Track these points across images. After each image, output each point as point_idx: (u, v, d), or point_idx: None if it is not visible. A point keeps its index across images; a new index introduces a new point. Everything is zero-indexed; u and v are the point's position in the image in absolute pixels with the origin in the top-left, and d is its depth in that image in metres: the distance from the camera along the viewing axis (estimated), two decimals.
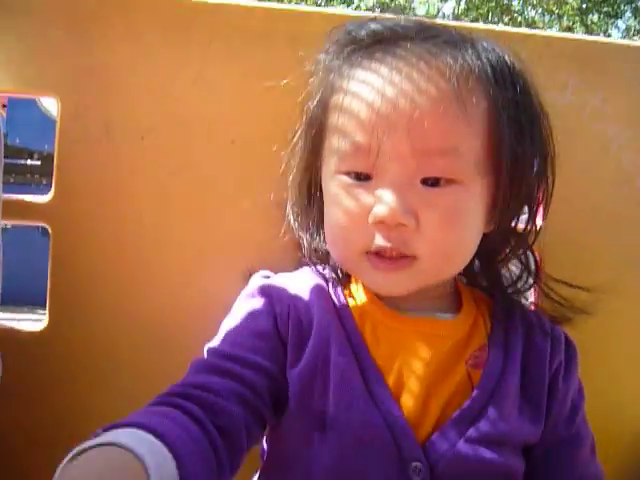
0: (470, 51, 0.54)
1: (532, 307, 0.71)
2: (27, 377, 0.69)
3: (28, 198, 0.70)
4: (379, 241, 0.52)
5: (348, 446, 0.52)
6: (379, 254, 0.53)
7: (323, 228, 0.60)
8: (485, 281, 0.64)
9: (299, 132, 0.61)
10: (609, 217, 0.77)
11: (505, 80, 0.55)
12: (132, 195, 0.71)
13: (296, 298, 0.57)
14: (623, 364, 0.78)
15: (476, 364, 0.56)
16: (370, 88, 0.53)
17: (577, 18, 9.84)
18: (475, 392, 0.54)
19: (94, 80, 0.70)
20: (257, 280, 0.61)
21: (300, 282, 0.59)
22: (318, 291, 0.58)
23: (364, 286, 0.59)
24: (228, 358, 0.53)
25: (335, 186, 0.56)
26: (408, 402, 0.53)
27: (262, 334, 0.55)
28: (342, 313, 0.57)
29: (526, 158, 0.56)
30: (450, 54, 0.53)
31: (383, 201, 0.51)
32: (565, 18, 9.98)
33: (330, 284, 0.59)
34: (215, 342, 0.56)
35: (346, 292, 0.59)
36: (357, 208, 0.53)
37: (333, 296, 0.58)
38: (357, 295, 0.59)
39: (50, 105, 0.75)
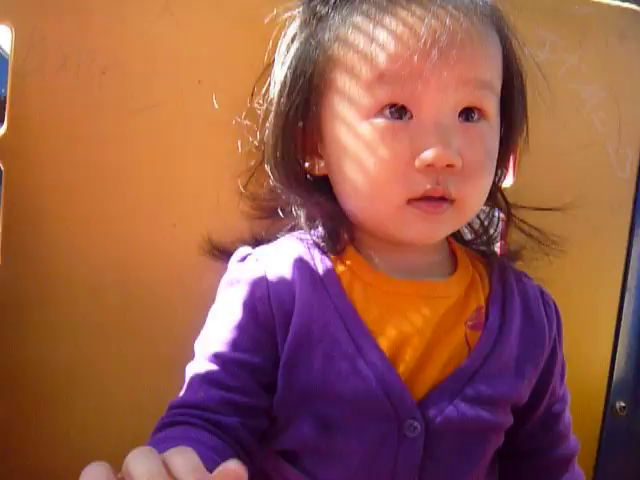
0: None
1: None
2: None
3: None
4: (427, 186, 0.49)
5: (341, 416, 0.51)
6: (425, 199, 0.50)
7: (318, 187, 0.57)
8: (481, 237, 0.64)
9: (280, 75, 0.56)
10: (578, 177, 0.77)
11: (507, 31, 0.56)
12: (90, 134, 0.67)
13: (276, 278, 0.54)
14: (580, 326, 0.80)
15: (474, 325, 0.55)
16: (407, 17, 0.49)
17: None
18: (473, 353, 0.54)
19: (52, 8, 0.65)
20: (233, 264, 0.59)
21: (280, 257, 0.56)
22: (300, 263, 0.55)
23: (354, 250, 0.56)
24: (216, 362, 0.52)
25: (365, 132, 0.50)
26: (403, 363, 0.52)
27: (244, 328, 0.53)
28: (327, 280, 0.54)
29: (523, 110, 0.58)
30: None
31: (432, 141, 0.49)
32: None
33: (317, 250, 0.56)
34: (202, 342, 0.55)
35: (333, 257, 0.56)
36: (400, 154, 0.49)
37: (319, 264, 0.55)
38: (347, 259, 0.56)
39: (3, 37, 0.70)
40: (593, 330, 0.80)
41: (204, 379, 0.51)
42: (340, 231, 0.57)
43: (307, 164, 0.58)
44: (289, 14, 0.59)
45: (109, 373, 0.68)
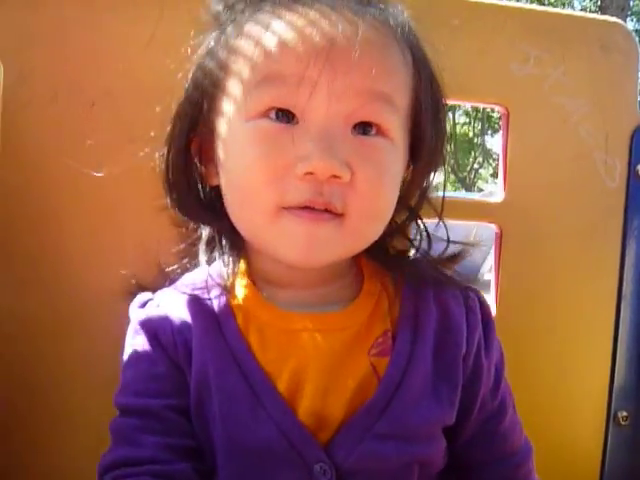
0: (392, 9, 0.52)
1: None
2: None
3: None
4: (306, 195, 0.46)
5: (250, 465, 0.49)
6: (305, 208, 0.46)
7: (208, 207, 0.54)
8: (392, 251, 0.59)
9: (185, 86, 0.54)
10: (567, 190, 0.78)
11: (420, 45, 0.53)
12: (80, 164, 0.66)
13: (178, 322, 0.52)
14: (578, 336, 0.80)
15: (381, 352, 0.51)
16: (300, 21, 0.47)
17: None
18: (381, 384, 0.50)
19: (40, 42, 0.66)
20: (135, 312, 0.56)
21: (178, 299, 0.54)
22: (195, 304, 0.53)
23: (249, 283, 0.53)
24: (145, 412, 0.50)
25: (247, 133, 0.48)
26: (305, 405, 0.49)
27: (158, 376, 0.51)
28: (223, 320, 0.52)
29: (441, 133, 0.54)
30: (379, 6, 0.50)
31: (316, 148, 0.45)
32: None
33: (215, 286, 0.53)
34: (124, 396, 0.52)
35: (229, 296, 0.53)
36: (278, 157, 0.46)
37: (215, 301, 0.53)
38: (240, 295, 0.53)
39: None
40: (591, 340, 0.80)
41: (139, 430, 0.49)
42: (234, 259, 0.55)
43: (204, 171, 0.55)
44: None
45: None
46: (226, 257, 0.55)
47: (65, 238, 0.67)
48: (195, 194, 0.55)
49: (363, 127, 0.48)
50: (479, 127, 17.32)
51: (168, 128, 0.55)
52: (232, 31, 0.51)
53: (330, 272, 0.52)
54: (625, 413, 0.81)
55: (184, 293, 0.54)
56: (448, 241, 0.59)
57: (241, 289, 0.53)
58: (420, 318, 0.53)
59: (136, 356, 0.53)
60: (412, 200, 0.57)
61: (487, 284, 0.82)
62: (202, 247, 0.58)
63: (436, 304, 0.54)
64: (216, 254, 0.57)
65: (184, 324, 0.52)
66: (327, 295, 0.53)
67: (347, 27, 0.46)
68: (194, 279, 0.56)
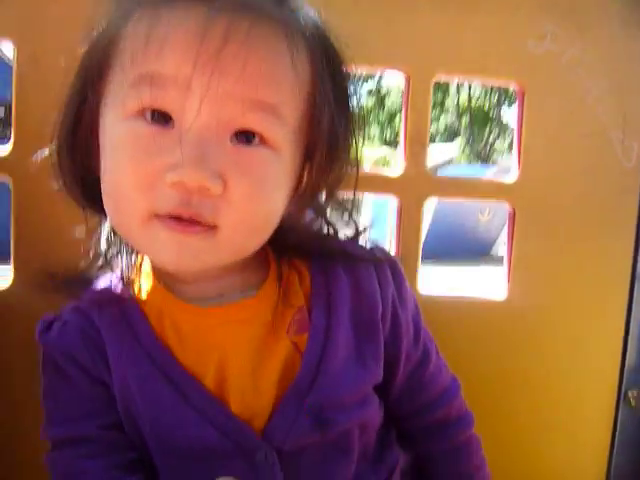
0: (297, 11, 0.47)
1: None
2: None
3: None
4: (174, 204, 0.43)
5: (187, 464, 0.49)
6: (173, 217, 0.44)
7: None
8: (294, 243, 0.56)
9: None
10: (582, 169, 0.77)
11: (326, 50, 0.49)
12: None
13: (89, 336, 0.51)
14: (590, 316, 0.80)
15: (299, 329, 0.51)
16: (185, 18, 0.43)
17: None
18: (303, 360, 0.50)
19: (52, 23, 0.66)
20: (43, 338, 0.53)
21: (84, 314, 0.52)
22: (105, 313, 0.51)
23: (155, 279, 0.51)
24: (80, 439, 0.50)
25: (121, 133, 0.45)
26: (236, 396, 0.49)
27: (82, 398, 0.51)
28: (136, 324, 0.50)
29: (342, 140, 0.50)
30: (278, 7, 0.46)
31: (186, 157, 0.42)
32: None
33: (121, 287, 0.52)
34: (53, 427, 0.52)
35: (138, 293, 0.52)
36: (149, 162, 0.43)
37: (125, 305, 0.51)
38: (149, 296, 0.51)
39: (9, 50, 0.70)
40: (603, 320, 0.80)
41: (78, 459, 0.50)
42: (131, 257, 0.53)
43: (92, 162, 0.50)
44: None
45: None
46: (124, 256, 0.53)
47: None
48: (80, 184, 0.51)
49: (245, 136, 0.45)
50: (495, 98, 17.04)
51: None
52: (122, 16, 0.46)
53: (230, 264, 0.50)
54: (635, 392, 0.81)
55: (90, 307, 0.52)
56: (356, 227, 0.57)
57: (148, 290, 0.52)
58: (332, 290, 0.52)
59: (55, 383, 0.52)
60: (318, 196, 0.54)
61: (501, 259, 0.82)
62: (103, 240, 0.55)
63: (347, 274, 0.54)
64: (114, 250, 0.55)
65: (97, 337, 0.51)
66: (234, 284, 0.52)
67: (234, 29, 0.42)
68: (99, 291, 0.54)
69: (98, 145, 0.48)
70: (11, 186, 0.67)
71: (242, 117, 0.44)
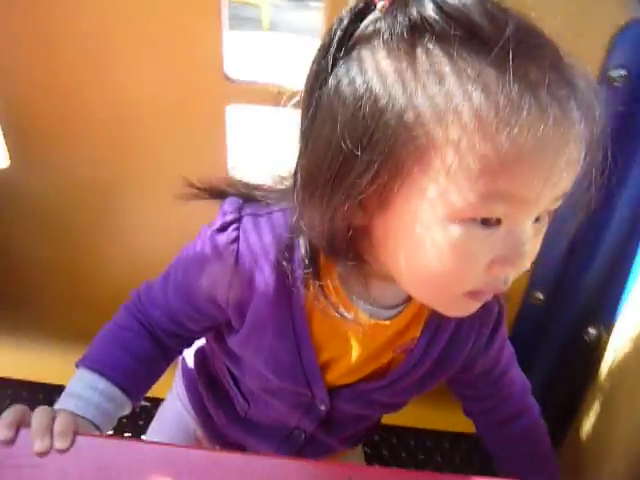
0: (580, 85, 0.43)
1: None
2: None
3: None
4: (497, 284, 0.47)
5: (272, 387, 0.63)
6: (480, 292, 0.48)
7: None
8: None
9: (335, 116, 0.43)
10: None
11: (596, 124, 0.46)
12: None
13: (245, 272, 0.54)
14: None
15: (403, 351, 0.61)
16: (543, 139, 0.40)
17: None
18: (388, 375, 0.62)
19: None
20: (212, 235, 0.55)
21: (258, 248, 0.54)
22: (273, 272, 0.54)
23: (330, 279, 0.55)
24: (163, 315, 0.61)
25: (447, 235, 0.44)
26: (334, 373, 0.61)
27: (195, 306, 0.59)
28: (295, 302, 0.56)
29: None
30: (571, 89, 0.42)
31: (522, 252, 0.45)
32: None
33: (295, 263, 0.54)
34: (162, 286, 0.61)
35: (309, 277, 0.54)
36: (480, 258, 0.45)
37: (293, 281, 0.54)
38: (324, 282, 0.54)
39: None
40: None
41: (157, 310, 0.61)
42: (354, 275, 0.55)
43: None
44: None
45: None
46: (306, 260, 0.54)
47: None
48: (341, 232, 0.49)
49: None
50: None
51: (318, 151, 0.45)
52: (433, 76, 0.40)
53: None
54: (541, 295, 0.87)
55: (267, 245, 0.54)
56: None
57: (326, 283, 0.54)
58: (440, 329, 0.60)
59: (189, 275, 0.58)
60: None
61: None
62: (303, 253, 0.54)
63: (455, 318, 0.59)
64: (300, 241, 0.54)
65: (250, 278, 0.54)
66: (390, 296, 0.57)
67: (569, 131, 0.42)
68: (284, 236, 0.54)
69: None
70: None
71: (550, 206, 0.46)
